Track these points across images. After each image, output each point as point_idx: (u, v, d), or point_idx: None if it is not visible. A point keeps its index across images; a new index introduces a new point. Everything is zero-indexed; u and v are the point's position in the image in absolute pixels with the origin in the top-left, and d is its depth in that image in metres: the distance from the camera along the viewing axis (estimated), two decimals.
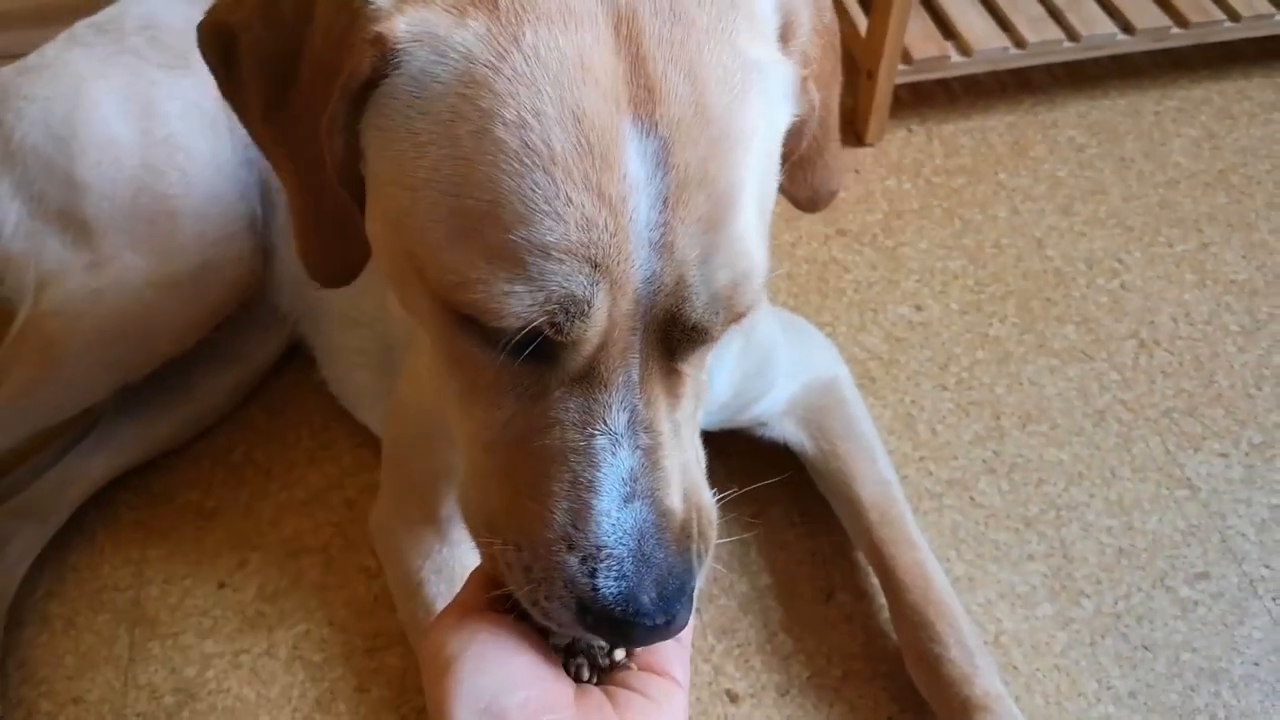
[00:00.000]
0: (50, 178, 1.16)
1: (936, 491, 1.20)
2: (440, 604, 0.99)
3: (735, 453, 1.14)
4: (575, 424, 0.57)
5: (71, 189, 1.15)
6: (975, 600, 1.10)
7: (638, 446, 0.57)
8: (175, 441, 1.25)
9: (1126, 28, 1.60)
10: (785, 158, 0.66)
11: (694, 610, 0.61)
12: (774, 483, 1.19)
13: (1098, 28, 1.59)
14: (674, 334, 0.57)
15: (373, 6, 0.56)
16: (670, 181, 0.53)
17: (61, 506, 1.17)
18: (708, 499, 0.63)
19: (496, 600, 0.60)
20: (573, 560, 0.57)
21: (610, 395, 0.57)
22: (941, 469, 1.22)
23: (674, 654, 0.63)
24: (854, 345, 1.34)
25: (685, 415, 0.61)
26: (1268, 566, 1.12)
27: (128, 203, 1.15)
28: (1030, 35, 1.58)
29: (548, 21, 0.53)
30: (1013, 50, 1.58)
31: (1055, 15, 1.61)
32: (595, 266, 0.53)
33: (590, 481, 0.57)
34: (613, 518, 0.57)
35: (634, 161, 0.52)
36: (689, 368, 0.60)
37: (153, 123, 1.19)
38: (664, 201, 0.53)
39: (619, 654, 0.62)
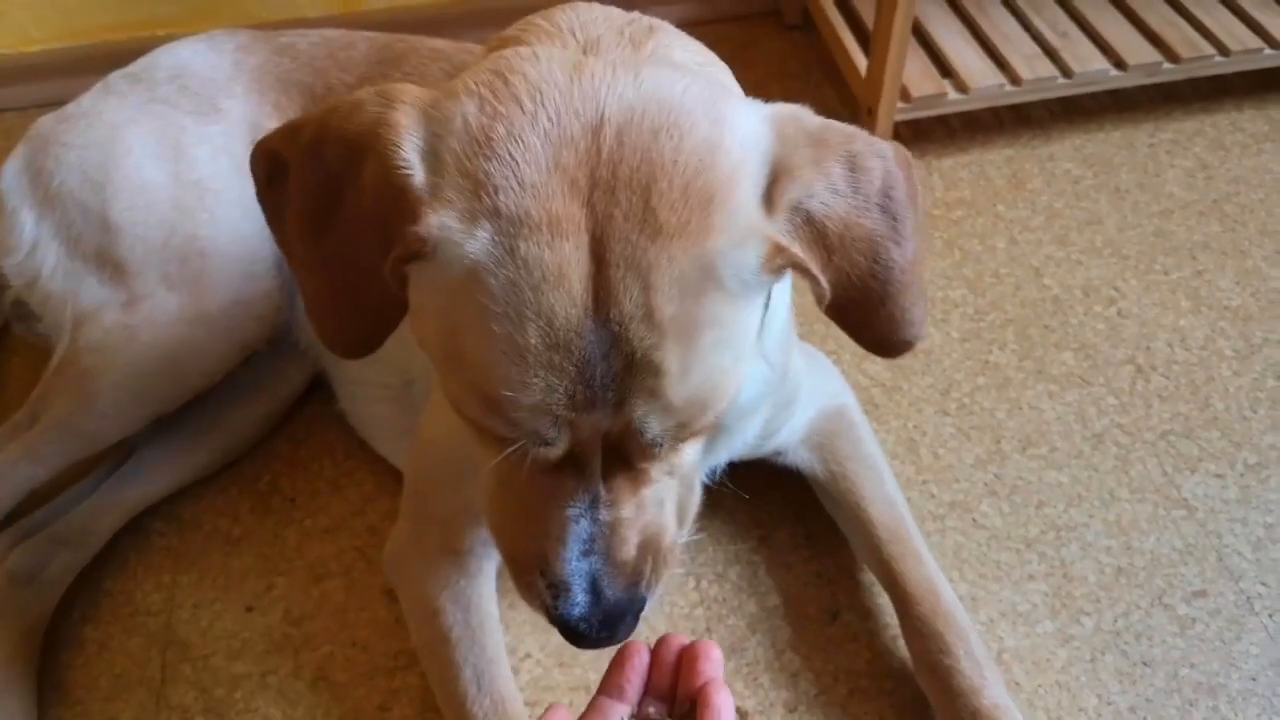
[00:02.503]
0: (87, 220, 1.22)
1: (939, 514, 1.23)
2: (456, 633, 1.03)
3: (745, 477, 1.18)
4: (549, 497, 0.73)
5: (106, 231, 1.21)
6: (978, 619, 1.13)
7: (598, 520, 0.73)
8: (205, 471, 1.30)
9: (1119, 64, 1.66)
10: (820, 298, 0.70)
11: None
12: (780, 507, 1.23)
13: (1091, 64, 1.65)
14: (629, 449, 0.70)
15: (415, 195, 0.66)
16: (621, 363, 0.65)
17: (97, 534, 1.21)
18: (668, 544, 0.77)
19: None
20: (543, 584, 0.74)
21: (577, 484, 0.72)
22: (944, 491, 1.25)
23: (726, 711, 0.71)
24: (857, 372, 1.38)
25: (654, 493, 0.75)
26: (1264, 584, 1.15)
27: (160, 243, 1.21)
28: (1025, 72, 1.63)
29: (537, 235, 0.63)
30: (1008, 87, 1.64)
31: (1050, 53, 1.67)
32: (556, 419, 0.66)
33: (559, 536, 0.73)
34: (572, 565, 0.73)
35: (590, 348, 0.64)
36: (648, 464, 0.73)
37: (183, 167, 1.25)
38: (614, 377, 0.65)
39: None
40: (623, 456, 0.71)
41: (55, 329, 1.23)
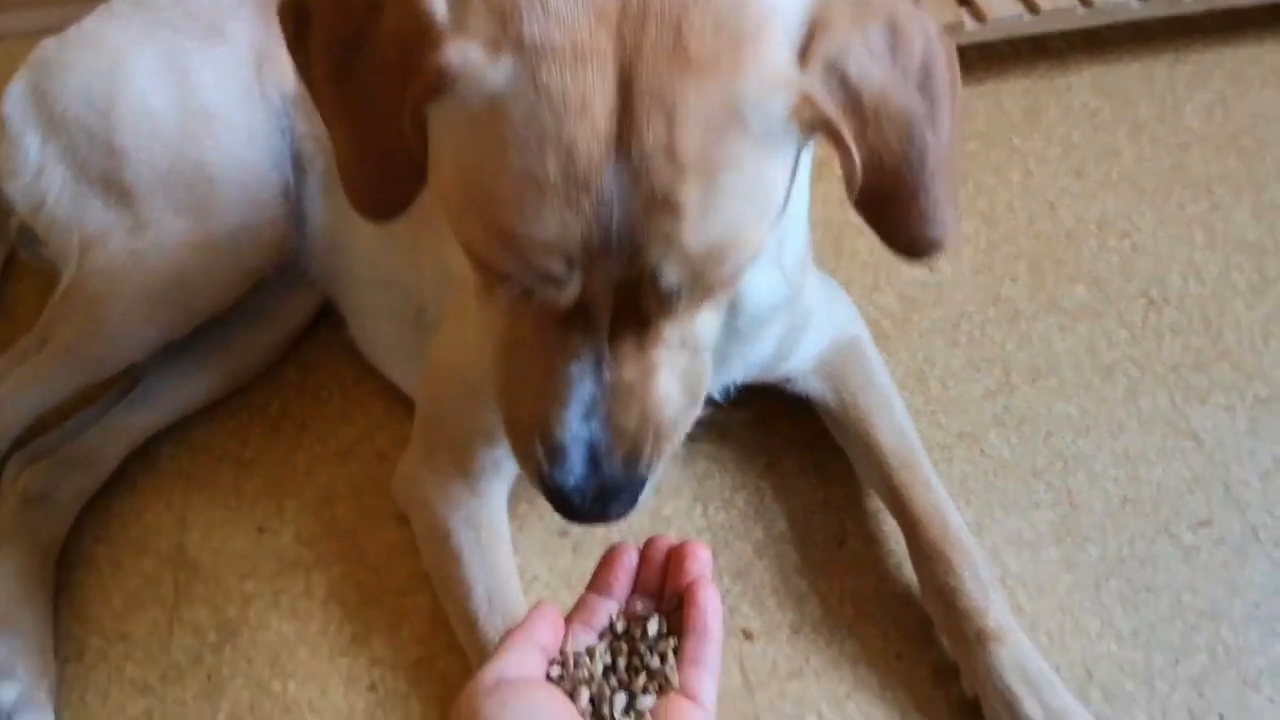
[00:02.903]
0: (92, 145, 1.21)
1: (947, 444, 1.23)
2: (467, 554, 1.04)
3: (753, 404, 1.18)
4: (554, 350, 0.71)
5: (112, 156, 1.20)
6: (983, 545, 1.13)
7: (601, 380, 0.70)
8: (215, 397, 1.30)
9: None
10: (850, 185, 0.68)
11: (716, 677, 0.73)
12: (788, 435, 1.24)
13: None
14: (644, 303, 0.68)
15: (437, 28, 0.65)
16: (639, 201, 0.62)
17: (108, 457, 1.22)
18: (670, 418, 0.74)
19: (527, 664, 0.69)
20: (540, 449, 0.72)
21: (585, 337, 0.69)
22: (952, 422, 1.25)
23: (706, 687, 0.70)
24: (868, 304, 1.37)
25: (664, 359, 0.72)
26: (1270, 514, 1.16)
27: (166, 169, 1.20)
28: (1044, 2, 1.60)
29: (560, 62, 0.62)
30: (1026, 17, 1.60)
31: None
32: (569, 259, 0.64)
33: (560, 396, 0.71)
34: (571, 428, 0.71)
35: (610, 184, 0.62)
36: (662, 324, 0.70)
37: (188, 92, 1.24)
38: (633, 217, 0.63)
39: (646, 716, 0.69)
40: (636, 313, 0.69)
41: (62, 254, 1.23)
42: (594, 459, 0.72)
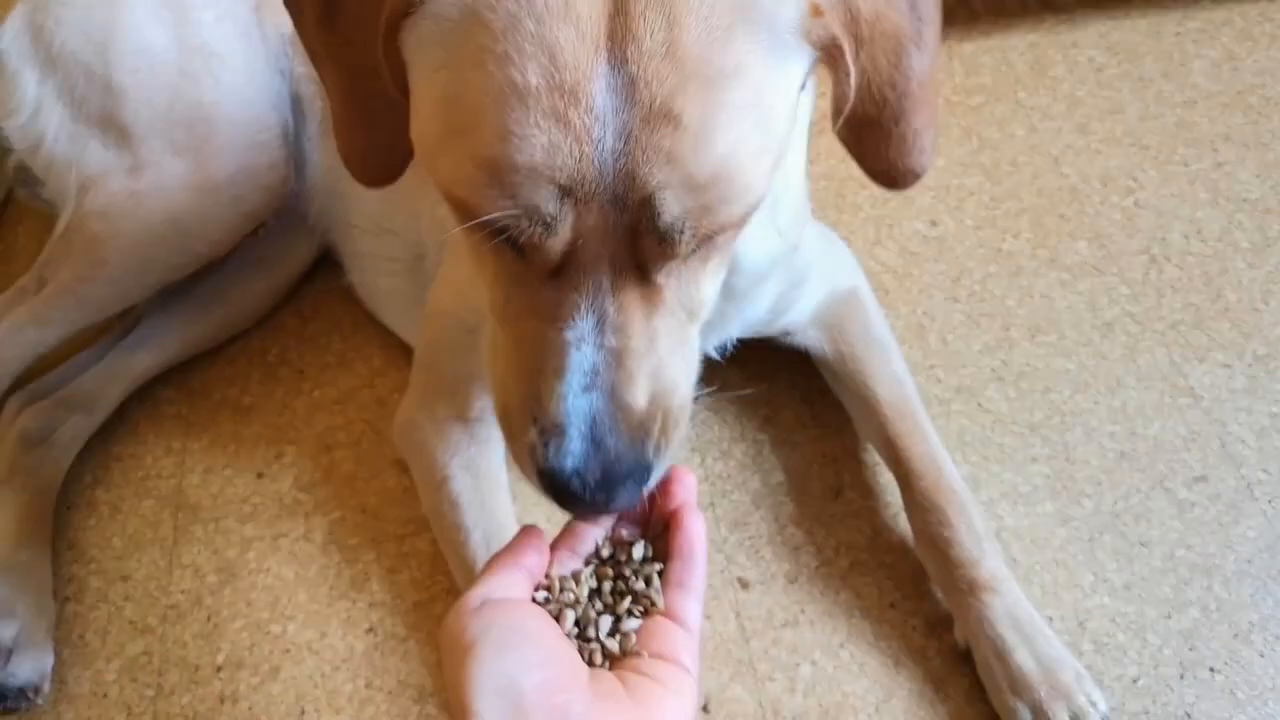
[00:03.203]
0: (90, 83, 1.20)
1: (945, 398, 1.24)
2: (465, 498, 1.04)
3: (752, 359, 1.18)
4: (549, 316, 0.64)
5: (110, 94, 1.19)
6: (979, 499, 1.14)
7: (603, 345, 0.64)
8: (212, 342, 1.30)
9: None
10: (838, 109, 0.67)
11: (700, 600, 0.70)
12: (787, 387, 1.24)
13: None
14: (643, 247, 0.62)
15: None
16: (635, 114, 0.57)
17: (106, 399, 1.22)
18: (679, 402, 0.68)
19: (513, 586, 0.66)
20: (534, 431, 0.65)
21: (580, 296, 0.63)
22: (951, 376, 1.26)
23: (683, 642, 0.68)
24: (868, 258, 1.37)
25: (667, 325, 0.66)
26: (1265, 471, 1.16)
27: (165, 108, 1.19)
28: None
29: None
30: None
31: None
32: (558, 186, 0.59)
33: (556, 367, 0.64)
34: (569, 402, 0.64)
35: (601, 95, 0.57)
36: (666, 279, 0.65)
37: (187, 30, 1.22)
38: (629, 133, 0.58)
39: (631, 637, 0.68)
40: (636, 266, 0.63)
41: (60, 195, 1.22)
42: (595, 438, 0.64)
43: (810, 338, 1.16)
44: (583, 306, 0.63)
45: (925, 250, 1.39)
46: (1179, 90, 1.58)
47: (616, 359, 0.64)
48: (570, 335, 0.64)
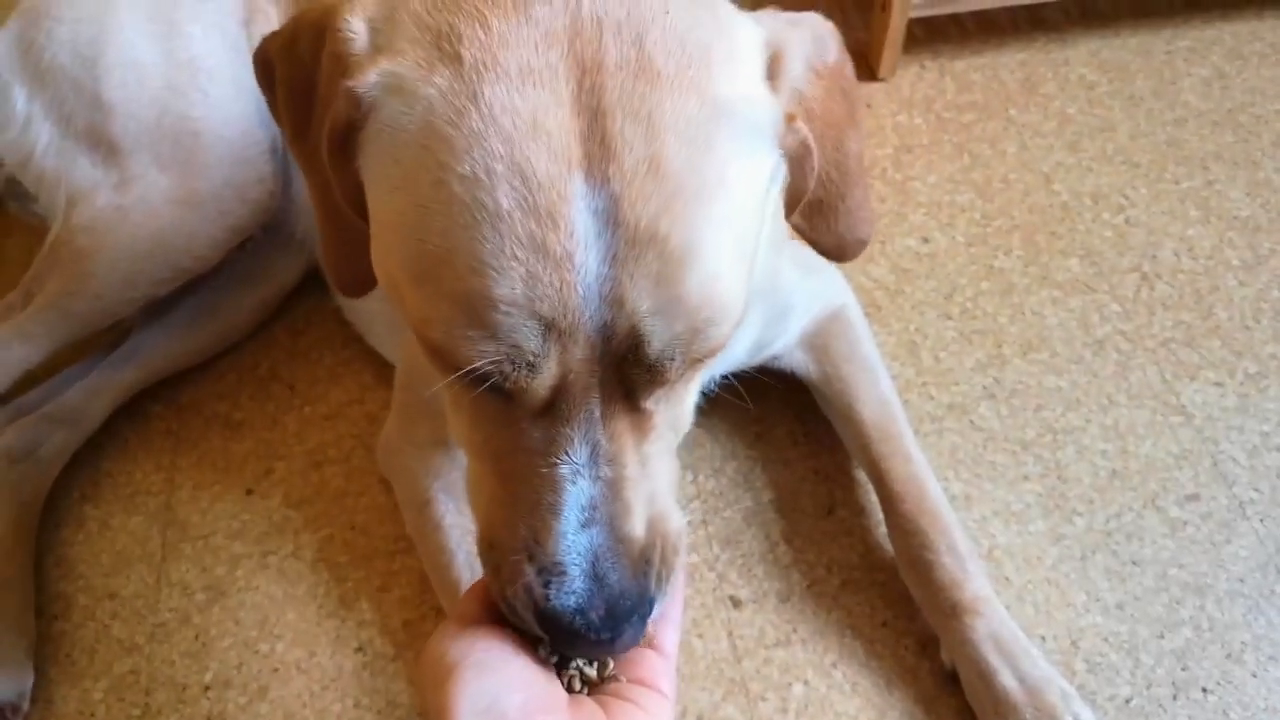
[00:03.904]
0: (79, 98, 1.19)
1: (937, 415, 1.24)
2: (448, 521, 1.04)
3: (742, 378, 1.17)
4: (540, 452, 0.61)
5: (98, 109, 1.19)
6: (971, 517, 1.14)
7: (599, 478, 0.61)
8: (202, 356, 1.29)
9: None
10: (795, 199, 0.67)
11: (678, 627, 0.69)
12: (779, 405, 1.23)
13: None
14: (632, 376, 0.59)
15: (353, 57, 0.59)
16: (620, 237, 0.54)
17: (93, 414, 1.21)
18: (675, 526, 0.66)
19: (493, 611, 0.65)
20: (532, 570, 0.61)
21: (572, 430, 0.60)
22: (942, 394, 1.25)
23: (660, 668, 0.68)
24: (860, 275, 1.37)
25: (657, 449, 0.64)
26: (1257, 490, 1.16)
27: (152, 123, 1.18)
28: None
29: (506, 81, 0.55)
30: None
31: None
32: (541, 320, 0.55)
33: (552, 504, 0.60)
34: (569, 539, 0.60)
35: (582, 218, 0.54)
36: (655, 405, 0.63)
37: (176, 44, 1.22)
38: (613, 256, 0.54)
39: (609, 663, 0.67)
40: (624, 391, 0.60)
41: (50, 209, 1.21)
42: (598, 575, 0.61)
43: (797, 359, 1.16)
44: (575, 440, 0.60)
45: (917, 267, 1.39)
46: (1170, 108, 1.59)
47: (613, 490, 0.61)
48: (565, 470, 0.60)
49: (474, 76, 0.55)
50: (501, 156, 0.54)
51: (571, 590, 0.60)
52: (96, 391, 1.22)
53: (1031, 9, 1.70)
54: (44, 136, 1.20)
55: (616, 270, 0.55)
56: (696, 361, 0.61)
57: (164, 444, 1.23)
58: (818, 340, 1.16)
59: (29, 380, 1.20)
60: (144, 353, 1.26)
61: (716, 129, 0.58)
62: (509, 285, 0.54)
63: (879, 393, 1.14)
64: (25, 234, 1.38)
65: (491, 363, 0.56)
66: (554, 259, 0.54)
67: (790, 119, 0.63)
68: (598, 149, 0.55)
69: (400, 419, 1.10)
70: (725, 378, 1.09)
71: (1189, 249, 1.40)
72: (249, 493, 1.18)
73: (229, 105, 1.21)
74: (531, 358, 0.56)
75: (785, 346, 1.14)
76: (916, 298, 1.35)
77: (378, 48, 0.59)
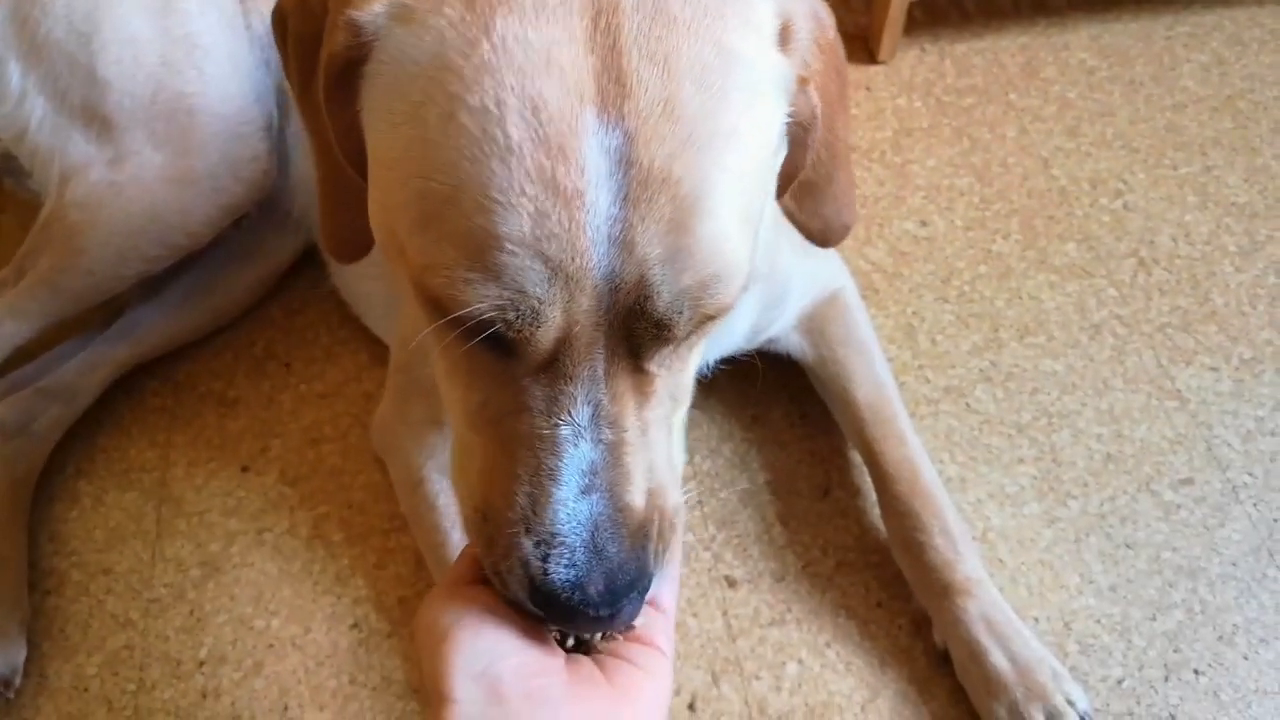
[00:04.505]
0: (73, 73, 1.18)
1: (933, 398, 1.24)
2: (442, 500, 1.04)
3: (738, 359, 1.17)
4: (541, 412, 0.58)
5: (93, 85, 1.18)
6: (966, 499, 1.14)
7: (600, 440, 0.59)
8: (197, 334, 1.29)
9: None
10: (789, 177, 0.67)
11: (676, 583, 0.67)
12: (776, 387, 1.23)
13: None
14: (638, 331, 0.57)
15: None
16: (632, 178, 0.53)
17: (87, 389, 1.21)
18: (674, 501, 0.64)
19: (486, 575, 0.63)
20: (528, 543, 0.59)
21: (575, 388, 0.58)
22: (939, 377, 1.26)
23: (659, 625, 0.66)
24: (859, 258, 1.37)
25: (656, 416, 0.62)
26: (1250, 474, 1.17)
27: (147, 99, 1.17)
28: None
29: (520, 14, 0.54)
30: None
31: None
32: (548, 261, 0.53)
33: (551, 469, 0.58)
34: (569, 507, 0.58)
35: (594, 155, 0.52)
36: (658, 368, 0.61)
37: (171, 20, 1.21)
38: (625, 198, 0.53)
39: None
40: (628, 349, 0.58)
41: (44, 185, 1.20)
42: (597, 546, 0.59)
43: (793, 342, 1.16)
44: (578, 398, 0.58)
45: (915, 250, 1.38)
46: (1169, 94, 1.58)
47: (613, 455, 0.59)
48: (565, 432, 0.58)
49: (486, 8, 0.54)
50: (513, 88, 0.52)
51: (572, 563, 0.58)
52: (92, 367, 1.22)
53: None
54: (38, 112, 1.19)
55: (627, 211, 0.53)
56: (703, 321, 0.59)
57: (159, 420, 1.23)
58: (814, 323, 1.16)
59: (23, 355, 1.20)
60: (140, 329, 1.25)
61: (731, 79, 0.57)
62: (516, 222, 0.52)
63: (874, 375, 1.14)
64: (19, 210, 1.37)
65: (495, 307, 0.54)
66: (564, 195, 0.52)
67: (803, 82, 0.63)
68: (612, 87, 0.53)
69: (395, 399, 1.10)
70: (722, 362, 1.09)
71: (1186, 234, 1.40)
72: (244, 470, 1.18)
73: (225, 82, 1.20)
74: (536, 304, 0.54)
75: (782, 330, 1.14)
76: (914, 281, 1.35)
77: None
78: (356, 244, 0.70)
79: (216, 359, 1.29)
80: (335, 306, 1.33)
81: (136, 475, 1.17)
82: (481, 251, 0.53)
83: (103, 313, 1.25)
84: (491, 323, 0.55)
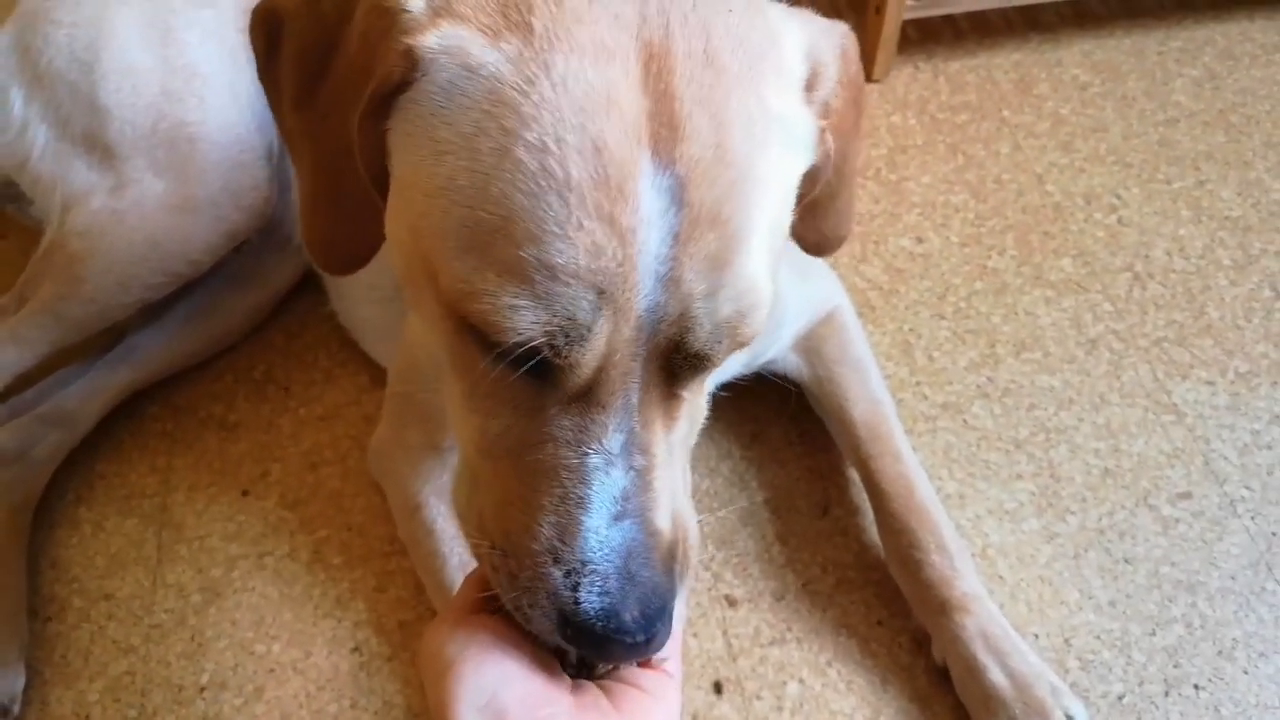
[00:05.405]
0: (75, 102, 1.20)
1: (931, 415, 1.24)
2: (439, 526, 1.04)
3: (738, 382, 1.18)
4: (570, 442, 0.58)
5: (95, 114, 1.19)
6: (964, 516, 1.14)
7: (631, 467, 0.59)
8: (197, 358, 1.30)
9: None
10: (799, 199, 0.68)
11: (684, 604, 0.65)
12: (775, 405, 1.24)
13: None
14: (676, 361, 0.59)
15: (408, 15, 0.58)
16: (684, 218, 0.55)
17: (87, 415, 1.21)
18: (692, 522, 0.65)
19: (491, 602, 0.63)
20: (557, 573, 0.58)
21: (608, 416, 0.58)
22: (937, 393, 1.26)
23: (667, 648, 0.65)
24: (855, 275, 1.38)
25: (679, 438, 0.63)
26: (1248, 488, 1.17)
27: (148, 128, 1.19)
28: None
29: (579, 53, 0.55)
30: None
31: None
32: (600, 293, 0.54)
33: (581, 498, 0.58)
34: (600, 535, 0.58)
35: (649, 195, 0.54)
36: (688, 393, 0.62)
37: (172, 50, 1.22)
38: (675, 236, 0.55)
39: None
40: (662, 378, 0.59)
41: (46, 212, 1.21)
42: (629, 572, 0.58)
43: (789, 362, 1.16)
44: (610, 427, 0.58)
45: (911, 267, 1.39)
46: (1161, 109, 1.59)
47: (644, 480, 0.59)
48: (595, 460, 0.58)
49: (545, 46, 0.55)
50: (573, 127, 0.53)
51: (605, 590, 0.57)
52: (91, 393, 1.22)
53: (1025, 10, 1.70)
54: (40, 140, 1.20)
55: (677, 249, 0.55)
56: (736, 348, 0.61)
57: (159, 445, 1.23)
58: (810, 343, 1.16)
59: (23, 381, 1.20)
60: (139, 354, 1.26)
61: (771, 131, 0.60)
62: (572, 254, 0.53)
63: (869, 393, 1.14)
64: (21, 237, 1.38)
65: (545, 333, 0.54)
66: (620, 232, 0.54)
67: (825, 132, 0.66)
68: (665, 130, 0.55)
69: (392, 423, 1.11)
70: (721, 389, 1.09)
71: (1181, 249, 1.41)
72: (245, 494, 1.18)
73: (225, 111, 1.22)
74: (585, 331, 0.54)
75: (779, 352, 1.15)
76: (911, 298, 1.36)
77: (435, 10, 0.58)
78: (353, 256, 0.71)
79: (217, 382, 1.29)
80: (334, 330, 1.34)
81: (137, 501, 1.18)
82: (531, 280, 0.54)
83: (103, 338, 1.25)
84: (537, 350, 0.55)
